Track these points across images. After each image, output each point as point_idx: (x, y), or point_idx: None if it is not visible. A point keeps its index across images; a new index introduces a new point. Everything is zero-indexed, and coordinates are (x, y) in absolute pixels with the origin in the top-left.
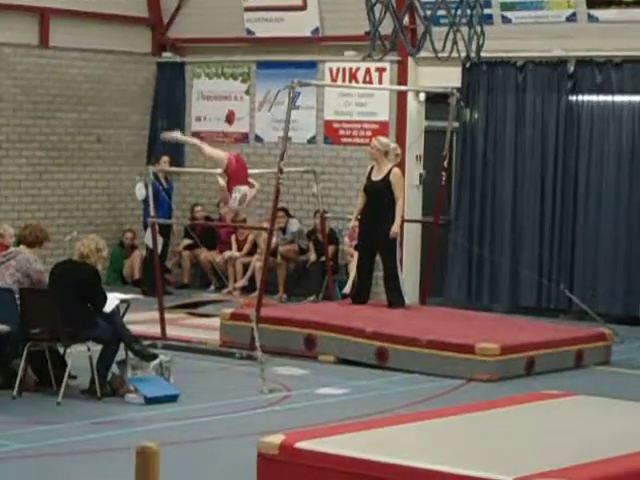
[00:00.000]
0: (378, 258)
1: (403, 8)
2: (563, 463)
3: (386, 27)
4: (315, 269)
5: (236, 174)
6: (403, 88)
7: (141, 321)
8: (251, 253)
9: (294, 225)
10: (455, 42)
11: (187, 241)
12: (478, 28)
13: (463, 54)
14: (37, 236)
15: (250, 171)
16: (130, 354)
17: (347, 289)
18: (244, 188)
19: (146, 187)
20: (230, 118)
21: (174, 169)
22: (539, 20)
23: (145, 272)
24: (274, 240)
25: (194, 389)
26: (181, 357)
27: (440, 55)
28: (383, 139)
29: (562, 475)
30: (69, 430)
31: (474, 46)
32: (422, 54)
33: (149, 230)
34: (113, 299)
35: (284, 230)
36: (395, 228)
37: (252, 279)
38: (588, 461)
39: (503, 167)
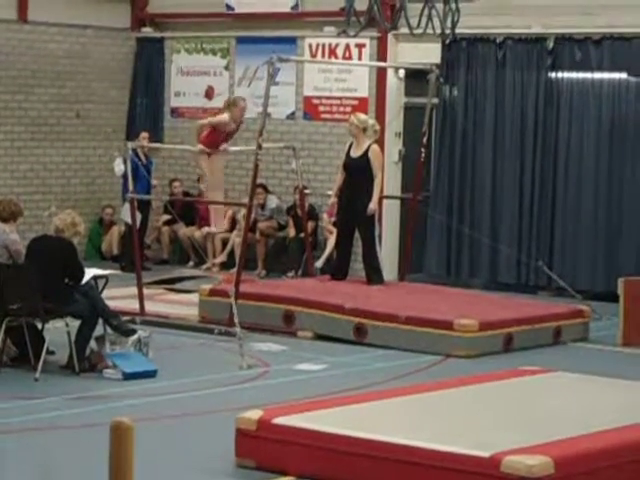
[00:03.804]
0: (357, 234)
1: None
2: (541, 439)
3: (363, 3)
4: (294, 245)
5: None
6: (382, 64)
7: (120, 297)
8: (230, 229)
9: (273, 201)
10: (430, 18)
11: (166, 217)
12: (453, 4)
13: (438, 31)
14: (12, 211)
15: (231, 148)
16: (108, 329)
17: (320, 263)
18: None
19: (125, 163)
20: (209, 93)
21: (153, 145)
22: None
23: (124, 248)
24: (253, 216)
25: (172, 365)
26: (160, 333)
27: (415, 31)
28: (361, 115)
29: (540, 451)
30: (47, 405)
31: (449, 23)
32: (402, 30)
33: (126, 205)
34: (88, 274)
35: (263, 206)
36: (372, 205)
37: (231, 255)
38: (565, 437)
39: (483, 144)
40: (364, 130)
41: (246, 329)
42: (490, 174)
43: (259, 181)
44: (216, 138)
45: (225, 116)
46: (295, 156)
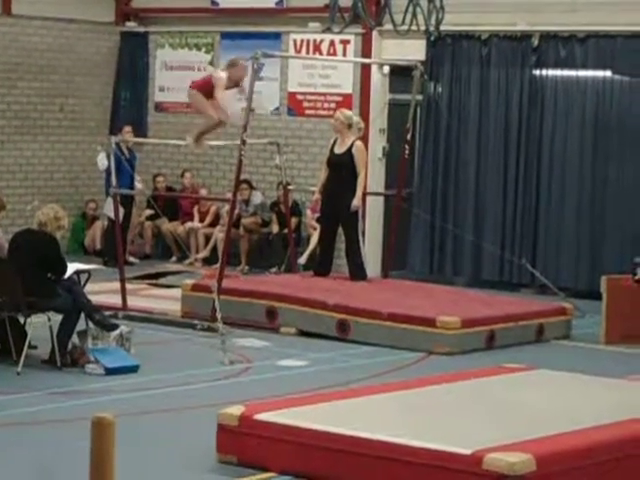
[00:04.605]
0: (340, 230)
1: None
2: (523, 436)
3: None
4: (277, 241)
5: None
6: (367, 61)
7: (102, 291)
8: (213, 224)
9: (257, 197)
10: (414, 16)
11: (149, 212)
12: (437, 2)
13: (423, 28)
14: None
15: (213, 142)
16: (91, 324)
17: (303, 259)
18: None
19: (108, 157)
20: None
21: (136, 139)
22: None
23: (106, 242)
24: (237, 212)
25: (155, 360)
26: (142, 328)
27: (399, 29)
28: (347, 112)
29: (522, 448)
30: (29, 400)
31: (433, 20)
32: (386, 27)
33: (109, 200)
34: (71, 268)
35: (247, 202)
36: (356, 201)
37: (214, 250)
38: (547, 434)
39: (467, 141)
40: (349, 126)
41: (229, 325)
42: (474, 171)
43: (243, 177)
44: (211, 89)
45: (222, 75)
46: (279, 152)
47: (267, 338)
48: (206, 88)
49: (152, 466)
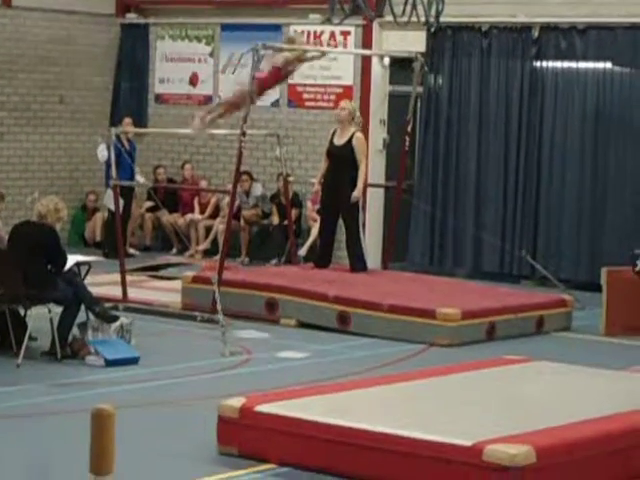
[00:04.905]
0: (341, 222)
1: None
2: (522, 428)
3: None
4: (278, 233)
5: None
6: (367, 52)
7: (102, 283)
8: (213, 216)
9: (258, 189)
10: (414, 7)
11: (149, 203)
12: None
13: (423, 19)
14: None
15: (213, 131)
16: (91, 316)
17: (304, 251)
18: None
19: (108, 149)
20: (194, 80)
21: (137, 130)
22: None
23: (107, 234)
24: (237, 203)
25: (155, 352)
26: (142, 320)
27: (399, 20)
28: (353, 104)
29: (521, 440)
30: (29, 392)
31: (433, 11)
32: (387, 18)
33: (109, 192)
34: (71, 260)
35: (247, 194)
36: (356, 193)
37: (214, 242)
38: (548, 426)
39: (467, 132)
40: (353, 118)
41: (229, 316)
42: (474, 163)
43: (244, 168)
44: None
45: (286, 54)
46: (279, 143)
47: (267, 330)
48: (266, 83)
49: (152, 457)
